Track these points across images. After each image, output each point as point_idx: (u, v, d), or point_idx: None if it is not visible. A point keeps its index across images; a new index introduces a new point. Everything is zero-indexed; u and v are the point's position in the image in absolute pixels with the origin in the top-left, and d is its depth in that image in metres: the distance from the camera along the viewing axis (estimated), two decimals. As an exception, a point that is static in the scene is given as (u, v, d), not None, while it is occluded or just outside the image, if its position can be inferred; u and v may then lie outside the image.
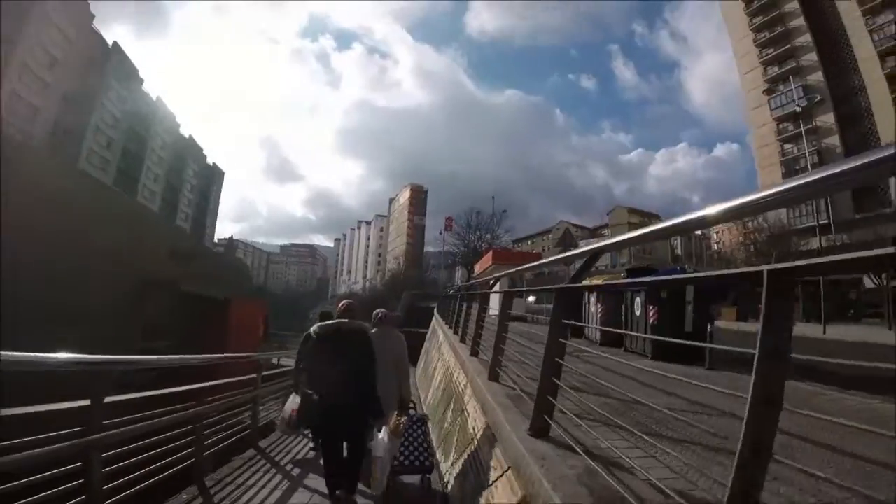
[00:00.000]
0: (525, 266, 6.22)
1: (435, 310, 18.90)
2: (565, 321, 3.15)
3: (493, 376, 4.77)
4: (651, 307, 8.31)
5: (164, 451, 4.25)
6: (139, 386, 4.63)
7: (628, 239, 2.86)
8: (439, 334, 12.50)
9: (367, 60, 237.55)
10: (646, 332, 8.21)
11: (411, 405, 5.26)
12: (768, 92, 43.06)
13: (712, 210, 1.72)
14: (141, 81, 63.36)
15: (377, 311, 5.36)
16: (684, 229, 2.00)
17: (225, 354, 7.14)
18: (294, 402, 4.97)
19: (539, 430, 3.01)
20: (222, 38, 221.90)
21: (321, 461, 4.74)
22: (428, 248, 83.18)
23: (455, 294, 12.37)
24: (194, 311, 13.66)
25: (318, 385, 4.07)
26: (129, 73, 60.38)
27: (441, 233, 61.80)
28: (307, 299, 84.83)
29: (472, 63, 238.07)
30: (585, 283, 3.85)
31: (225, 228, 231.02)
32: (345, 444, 4.25)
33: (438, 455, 6.10)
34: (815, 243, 29.60)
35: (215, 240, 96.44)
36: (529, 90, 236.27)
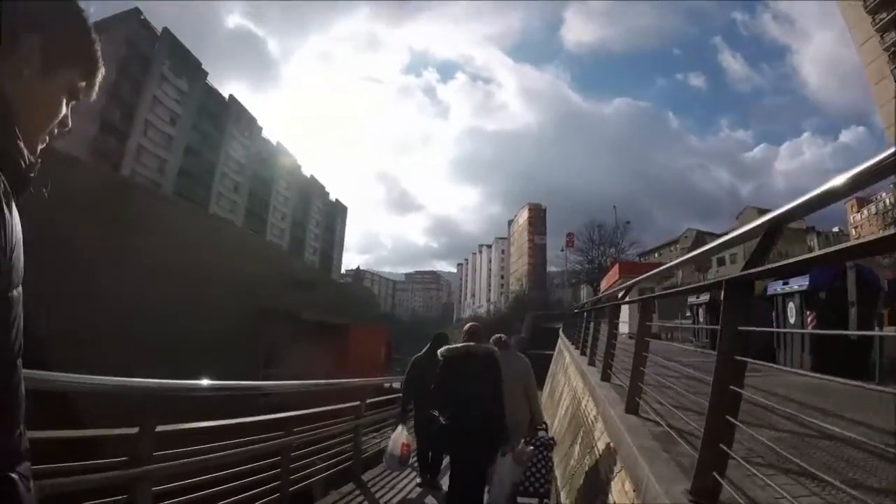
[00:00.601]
0: (662, 267, 5.19)
1: (560, 331, 17.88)
2: (742, 328, 2.01)
3: (632, 408, 3.86)
4: (809, 312, 7.08)
5: (237, 486, 3.96)
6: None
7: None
8: (565, 356, 11.62)
9: (471, 88, 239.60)
10: (803, 343, 6.99)
11: (542, 426, 5.15)
12: (894, 58, 36.41)
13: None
14: (260, 129, 68.03)
15: (497, 335, 5.33)
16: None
17: (312, 381, 6.90)
18: (402, 434, 4.93)
19: (706, 493, 2.01)
20: (330, 85, 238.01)
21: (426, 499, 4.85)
22: (551, 268, 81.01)
23: (581, 311, 11.48)
24: (315, 337, 14.10)
25: (445, 408, 4.01)
26: (247, 122, 65.11)
27: (563, 250, 59.66)
28: (432, 324, 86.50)
29: (576, 76, 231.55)
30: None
31: (352, 260, 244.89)
32: (461, 471, 4.07)
33: (563, 498, 5.59)
34: None
35: (343, 271, 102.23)
36: (637, 96, 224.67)
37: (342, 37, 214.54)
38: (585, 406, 6.03)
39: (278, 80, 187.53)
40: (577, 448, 5.81)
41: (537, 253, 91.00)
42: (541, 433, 5.03)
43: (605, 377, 5.62)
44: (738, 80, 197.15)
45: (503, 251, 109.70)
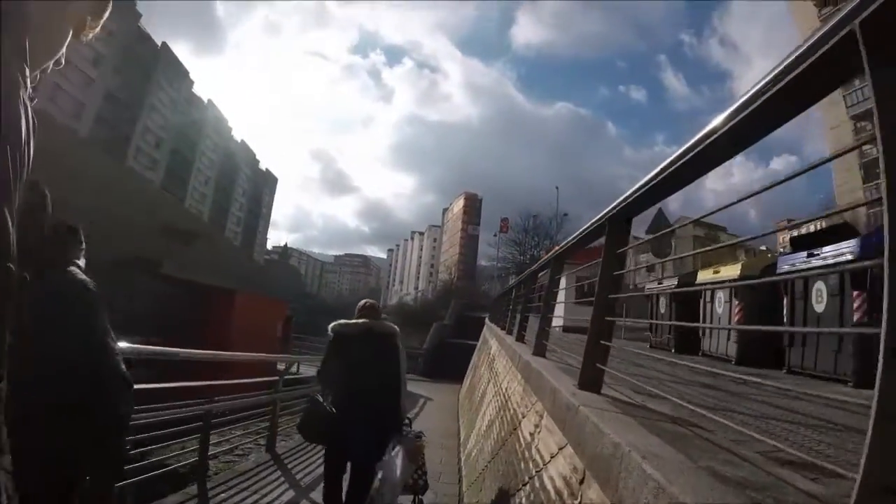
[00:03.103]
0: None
1: (486, 318, 16.32)
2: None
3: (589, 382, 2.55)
4: (857, 293, 4.88)
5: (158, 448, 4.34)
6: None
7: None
8: (491, 345, 9.93)
9: (416, 75, 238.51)
10: (840, 342, 4.96)
11: (406, 421, 4.41)
12: (843, 88, 38.45)
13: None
14: (191, 83, 64.10)
15: (364, 300, 4.43)
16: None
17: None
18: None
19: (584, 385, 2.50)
20: (274, 56, 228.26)
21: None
22: (482, 262, 79.95)
23: (515, 286, 9.82)
24: (186, 301, 11.62)
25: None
26: (178, 75, 61.01)
27: (496, 234, 57.49)
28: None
29: (521, 76, 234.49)
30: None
31: (280, 237, 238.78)
32: (350, 464, 3.68)
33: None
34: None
35: (269, 247, 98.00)
36: (580, 103, 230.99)
37: (292, 7, 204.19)
38: (511, 389, 4.73)
39: (223, 46, 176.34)
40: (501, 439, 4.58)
41: (469, 243, 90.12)
42: (405, 429, 4.30)
43: (539, 352, 4.46)
44: (677, 98, 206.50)
45: (435, 239, 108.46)
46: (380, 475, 3.64)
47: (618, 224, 2.61)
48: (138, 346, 4.08)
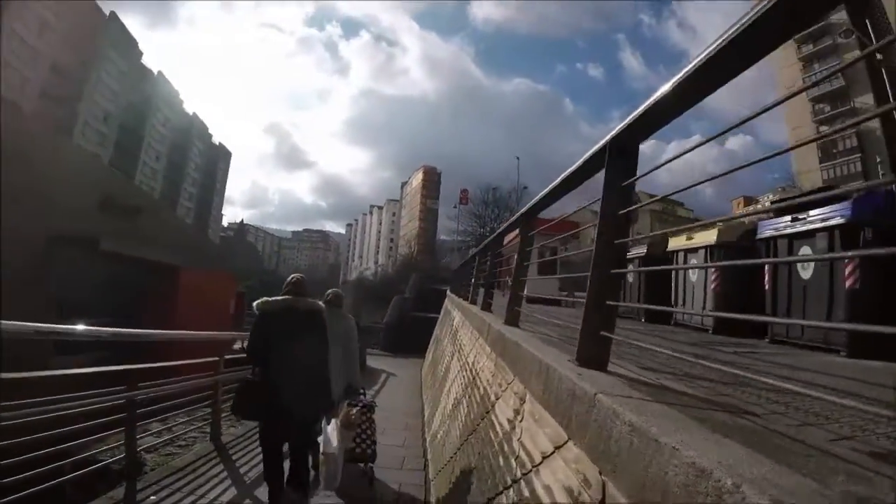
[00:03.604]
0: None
1: (448, 290, 15.81)
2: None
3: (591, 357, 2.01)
4: (849, 261, 4.40)
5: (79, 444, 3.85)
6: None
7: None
8: (454, 315, 9.39)
9: (373, 48, 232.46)
10: (829, 309, 4.64)
11: (360, 391, 5.01)
12: (804, 69, 39.61)
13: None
14: (140, 54, 60.63)
15: (332, 290, 5.24)
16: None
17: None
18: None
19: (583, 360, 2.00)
20: (227, 28, 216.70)
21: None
22: (441, 237, 79.19)
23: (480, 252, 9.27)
24: (128, 280, 10.62)
25: (262, 369, 3.64)
26: (126, 45, 57.60)
27: (455, 206, 55.48)
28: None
29: (480, 51, 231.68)
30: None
31: (236, 214, 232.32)
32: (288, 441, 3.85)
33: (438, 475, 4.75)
34: None
35: (225, 224, 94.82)
36: (537, 79, 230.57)
37: None
38: (479, 364, 4.36)
39: (175, 20, 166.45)
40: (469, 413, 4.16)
41: (429, 217, 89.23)
42: (361, 398, 4.89)
43: (512, 321, 3.96)
44: (634, 77, 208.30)
45: (394, 214, 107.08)
46: (321, 450, 3.89)
47: (622, 150, 2.07)
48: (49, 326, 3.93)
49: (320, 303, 4.02)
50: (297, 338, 3.60)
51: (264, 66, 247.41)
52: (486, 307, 5.59)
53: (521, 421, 2.38)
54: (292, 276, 4.03)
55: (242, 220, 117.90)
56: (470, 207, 53.28)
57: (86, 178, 10.56)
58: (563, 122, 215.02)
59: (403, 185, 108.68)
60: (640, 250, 8.76)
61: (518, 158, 49.83)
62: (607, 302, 1.97)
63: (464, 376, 5.19)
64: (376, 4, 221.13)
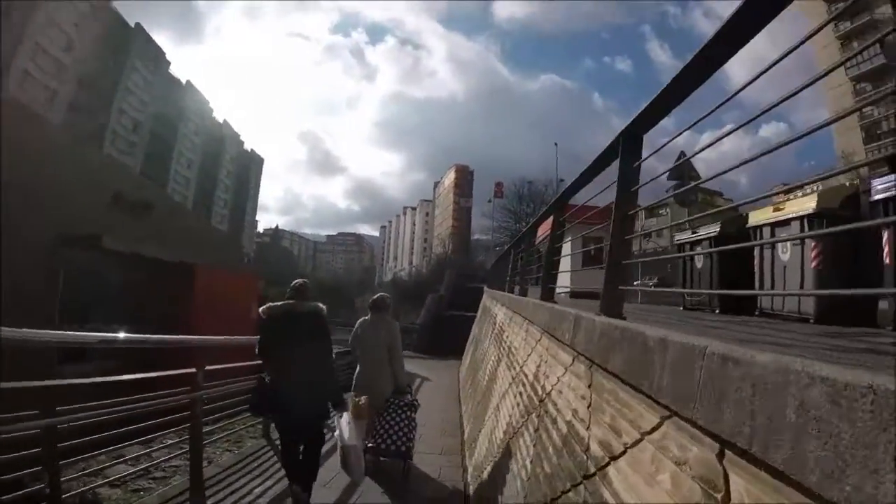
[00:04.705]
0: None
1: (485, 287, 14.80)
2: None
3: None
4: None
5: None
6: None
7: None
8: (495, 311, 8.34)
9: (400, 52, 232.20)
10: None
11: (407, 391, 5.20)
12: (842, 49, 37.17)
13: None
14: (168, 64, 61.78)
15: (378, 294, 5.70)
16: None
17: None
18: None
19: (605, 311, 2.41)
20: (255, 40, 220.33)
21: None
22: (476, 236, 78.09)
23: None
24: (138, 280, 10.00)
25: (271, 370, 3.92)
26: (153, 55, 58.73)
27: (490, 201, 54.15)
28: (354, 288, 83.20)
29: (505, 49, 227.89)
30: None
31: (272, 220, 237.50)
32: (293, 439, 4.02)
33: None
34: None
35: (261, 230, 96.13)
36: (565, 75, 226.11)
37: None
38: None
39: (202, 33, 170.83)
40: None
41: (462, 215, 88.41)
42: (407, 397, 5.15)
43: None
44: (663, 69, 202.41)
45: (427, 214, 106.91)
46: (340, 444, 3.94)
47: (631, 138, 2.60)
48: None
49: (320, 305, 4.10)
50: (298, 339, 3.81)
51: (293, 74, 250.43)
52: (548, 296, 4.48)
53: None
54: (295, 281, 4.22)
55: (277, 226, 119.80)
56: (504, 203, 51.97)
57: (96, 175, 10.00)
58: (594, 117, 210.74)
59: (436, 185, 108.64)
60: (712, 229, 7.50)
61: (556, 144, 48.21)
62: (622, 262, 2.43)
63: (522, 393, 3.80)
64: (400, 8, 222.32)
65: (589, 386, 2.08)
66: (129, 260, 9.47)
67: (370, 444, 4.75)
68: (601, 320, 2.12)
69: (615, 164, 2.71)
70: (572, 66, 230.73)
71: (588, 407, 2.03)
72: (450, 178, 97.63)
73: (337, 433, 4.03)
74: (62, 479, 3.26)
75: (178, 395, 4.16)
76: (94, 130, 46.44)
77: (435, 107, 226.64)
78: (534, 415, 2.95)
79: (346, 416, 4.04)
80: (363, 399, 4.53)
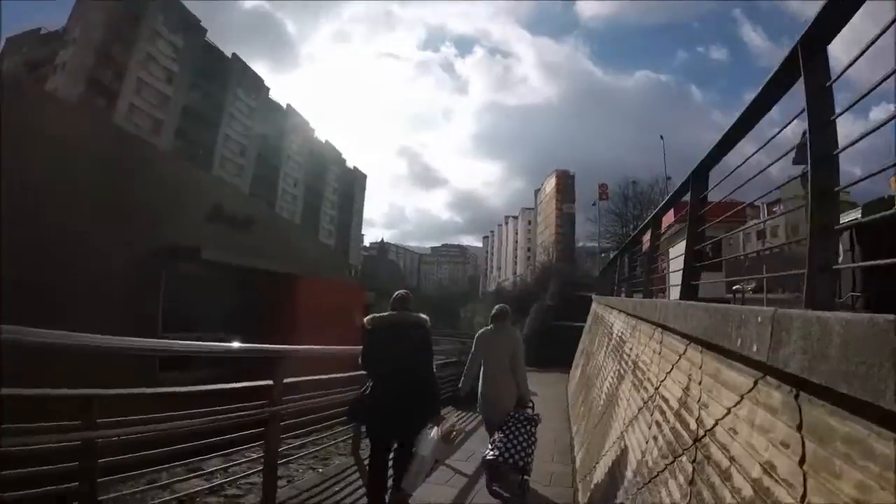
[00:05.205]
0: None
1: (594, 296, 13.63)
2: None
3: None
4: None
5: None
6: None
7: None
8: (611, 321, 7.34)
9: (489, 62, 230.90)
10: None
11: (529, 405, 5.13)
12: None
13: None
14: (267, 90, 65.57)
15: (499, 305, 5.60)
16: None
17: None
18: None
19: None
20: (348, 62, 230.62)
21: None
22: (580, 243, 74.91)
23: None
24: (245, 291, 10.25)
25: (372, 380, 3.91)
26: (253, 83, 62.58)
27: (594, 204, 50.46)
28: (458, 298, 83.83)
29: (595, 49, 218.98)
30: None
31: (377, 234, 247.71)
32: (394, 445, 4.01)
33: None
34: None
35: (367, 244, 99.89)
36: (658, 69, 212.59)
37: (357, 16, 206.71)
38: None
39: (297, 60, 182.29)
40: None
41: (565, 222, 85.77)
42: (528, 411, 5.04)
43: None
44: (759, 54, 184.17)
45: (529, 222, 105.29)
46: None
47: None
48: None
49: (423, 316, 4.08)
50: (401, 350, 3.82)
51: (389, 92, 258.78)
52: (691, 294, 3.48)
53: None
54: (397, 292, 4.21)
55: (383, 240, 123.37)
56: (608, 206, 49.00)
57: (204, 196, 10.47)
58: (693, 110, 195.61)
59: (537, 192, 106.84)
60: (853, 215, 5.98)
61: (662, 138, 44.26)
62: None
63: (661, 424, 2.69)
64: (483, 19, 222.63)
65: (799, 427, 1.25)
66: (235, 272, 9.75)
67: (489, 458, 4.71)
68: (840, 317, 1.11)
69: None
70: (665, 61, 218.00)
71: (801, 463, 1.21)
72: (550, 183, 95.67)
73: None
74: (113, 494, 3.08)
75: (253, 409, 3.80)
76: (203, 154, 50.89)
77: (530, 113, 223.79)
78: (684, 458, 2.08)
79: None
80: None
